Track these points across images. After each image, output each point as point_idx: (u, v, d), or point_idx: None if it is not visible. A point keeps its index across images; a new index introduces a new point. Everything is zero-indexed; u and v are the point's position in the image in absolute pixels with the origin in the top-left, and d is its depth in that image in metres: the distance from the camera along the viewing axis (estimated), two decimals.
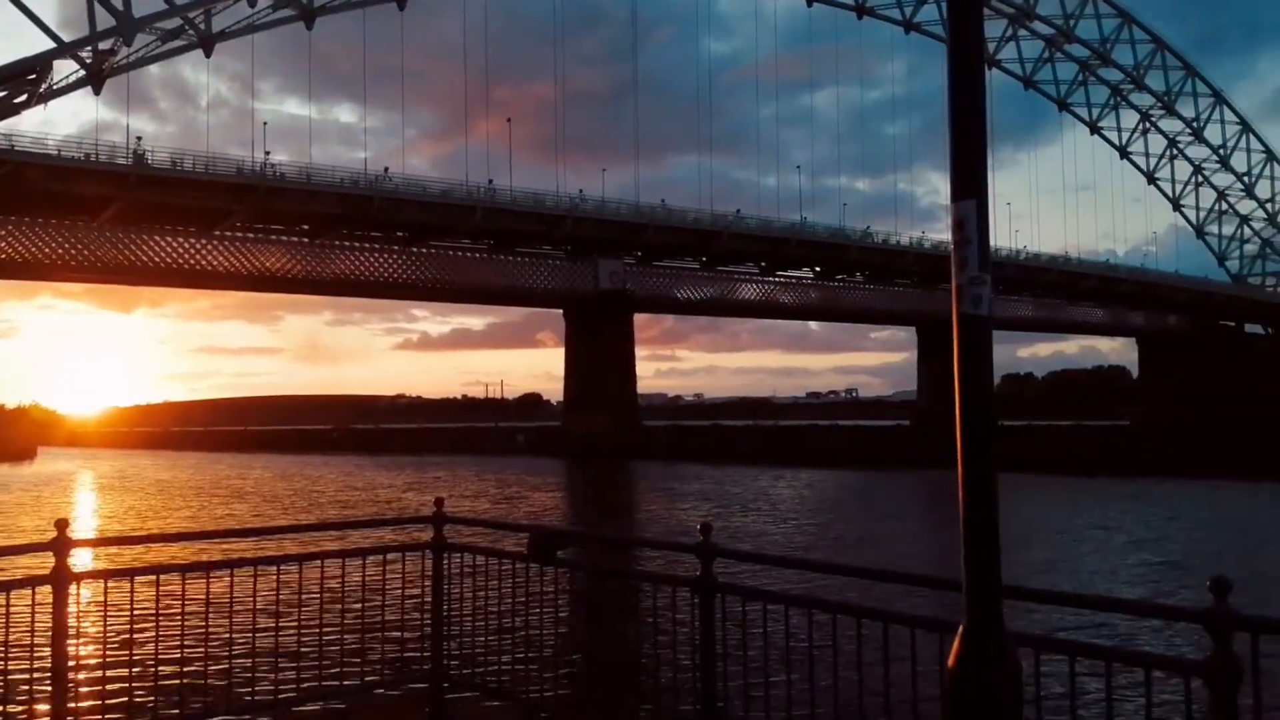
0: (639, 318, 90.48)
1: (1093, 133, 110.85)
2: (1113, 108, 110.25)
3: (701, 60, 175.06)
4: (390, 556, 5.78)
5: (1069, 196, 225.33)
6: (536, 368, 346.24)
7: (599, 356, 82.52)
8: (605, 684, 6.93)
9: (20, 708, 5.05)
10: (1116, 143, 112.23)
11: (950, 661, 2.55)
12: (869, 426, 73.31)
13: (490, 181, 79.99)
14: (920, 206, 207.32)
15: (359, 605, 5.58)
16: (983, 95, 2.57)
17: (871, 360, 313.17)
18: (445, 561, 5.76)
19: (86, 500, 41.24)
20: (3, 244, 63.92)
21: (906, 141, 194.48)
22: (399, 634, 6.28)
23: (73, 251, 66.96)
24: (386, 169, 78.19)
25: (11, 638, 4.41)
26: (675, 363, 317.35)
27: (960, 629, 2.53)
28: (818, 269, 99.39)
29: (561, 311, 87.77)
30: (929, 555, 19.77)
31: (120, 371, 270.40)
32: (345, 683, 5.82)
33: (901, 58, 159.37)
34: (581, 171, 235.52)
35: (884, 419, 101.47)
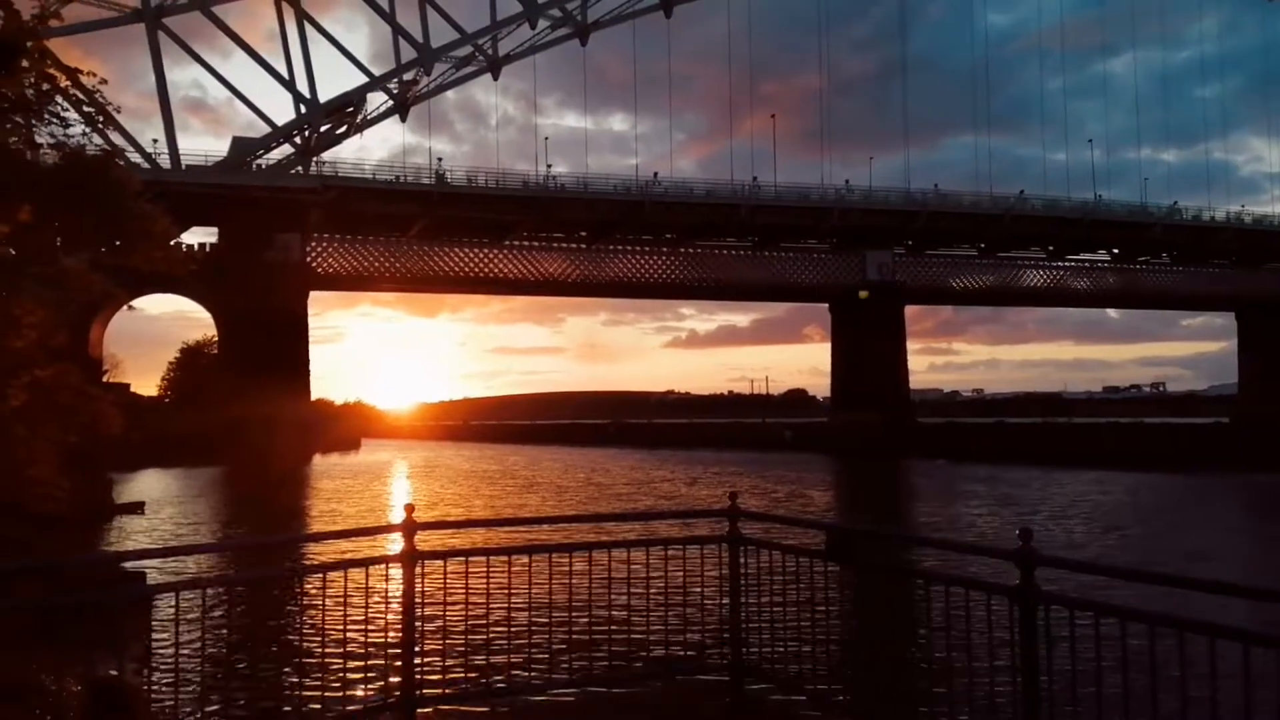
0: (911, 310, 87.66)
1: None
2: None
3: (978, 34, 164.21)
4: (675, 549, 5.77)
5: None
6: (802, 363, 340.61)
7: (867, 351, 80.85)
8: (909, 689, 6.77)
9: (376, 673, 5.50)
10: None
11: None
12: (1179, 425, 66.20)
13: (754, 179, 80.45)
14: (1240, 177, 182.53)
15: (660, 593, 5.62)
16: None
17: (1181, 350, 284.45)
18: (741, 556, 5.74)
19: (403, 487, 44.41)
20: (337, 260, 73.99)
21: (1220, 106, 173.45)
22: (699, 624, 6.30)
23: (388, 264, 74.61)
24: (656, 174, 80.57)
25: (362, 610, 4.91)
26: (952, 356, 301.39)
27: None
28: (1115, 251, 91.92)
29: (828, 306, 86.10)
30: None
31: (426, 371, 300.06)
32: (646, 668, 5.90)
33: (1212, 13, 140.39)
34: (849, 161, 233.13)
35: (1196, 416, 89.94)
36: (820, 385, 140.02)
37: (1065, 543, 21.89)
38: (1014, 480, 42.03)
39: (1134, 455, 50.98)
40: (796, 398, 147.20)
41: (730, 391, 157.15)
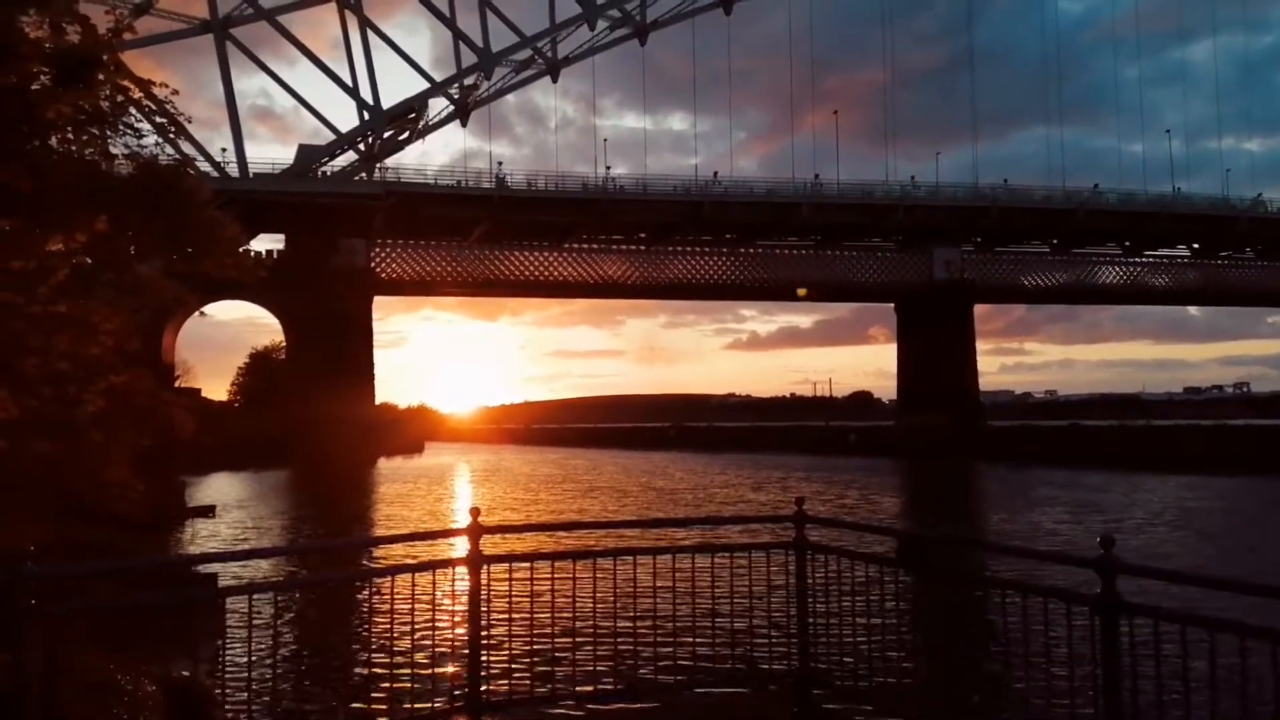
0: (980, 309, 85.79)
1: None
2: None
3: (1049, 22, 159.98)
4: (740, 555, 5.72)
5: None
6: (867, 365, 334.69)
7: (935, 351, 79.30)
8: (982, 704, 6.58)
9: (444, 674, 5.52)
10: None
11: None
12: (1268, 426, 62.24)
13: (816, 176, 79.24)
14: None
15: (725, 601, 5.57)
16: None
17: (1266, 349, 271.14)
18: (808, 562, 5.68)
19: (465, 490, 44.62)
20: (400, 264, 74.89)
21: None
22: (765, 633, 6.25)
23: (450, 268, 75.27)
24: (715, 174, 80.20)
25: (428, 614, 4.98)
26: (1023, 357, 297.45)
27: None
28: (1195, 246, 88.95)
29: (893, 306, 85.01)
30: None
31: (488, 374, 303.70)
32: (711, 677, 5.85)
33: None
34: (914, 157, 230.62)
35: None
36: (886, 388, 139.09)
37: (1152, 552, 20.81)
38: (1094, 485, 40.85)
39: (1221, 458, 49.08)
40: (861, 400, 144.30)
41: (792, 394, 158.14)
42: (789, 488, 41.24)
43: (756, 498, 37.36)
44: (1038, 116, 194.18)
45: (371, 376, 76.05)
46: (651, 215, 74.94)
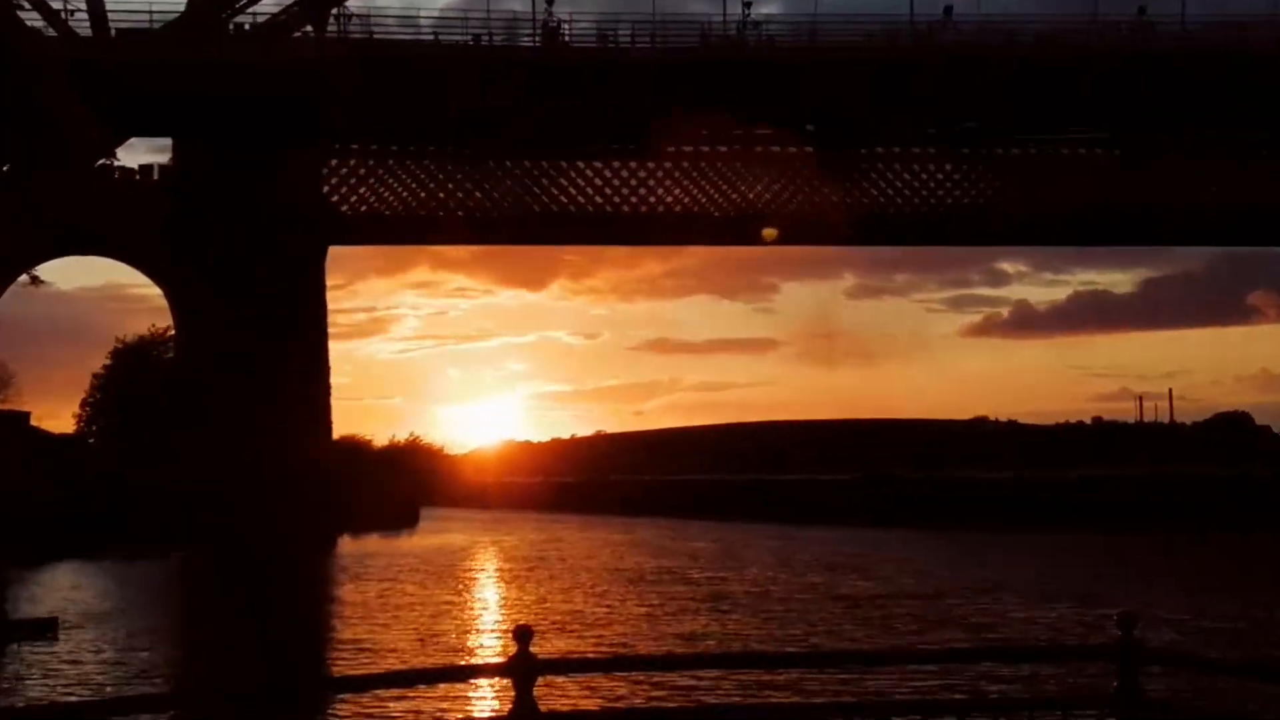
0: None
1: None
2: None
3: None
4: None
5: None
6: (1245, 361, 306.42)
7: None
8: None
9: None
10: None
11: None
12: None
13: (1142, 10, 72.16)
14: None
15: None
16: None
17: None
18: None
19: (493, 593, 45.58)
20: (376, 191, 75.15)
21: None
22: None
23: (461, 196, 76.25)
24: (948, 7, 74.15)
25: None
26: None
27: None
28: None
29: None
30: None
31: (527, 384, 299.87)
32: None
33: None
34: None
35: None
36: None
37: None
38: None
39: None
40: (1228, 425, 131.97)
41: (1097, 418, 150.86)
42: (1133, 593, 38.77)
43: (1046, 618, 36.03)
44: None
45: (324, 389, 74.91)
46: (826, 87, 69.89)
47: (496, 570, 54.89)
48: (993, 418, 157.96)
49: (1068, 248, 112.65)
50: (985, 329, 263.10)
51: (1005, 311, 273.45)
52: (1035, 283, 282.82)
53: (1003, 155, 76.45)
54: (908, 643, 30.52)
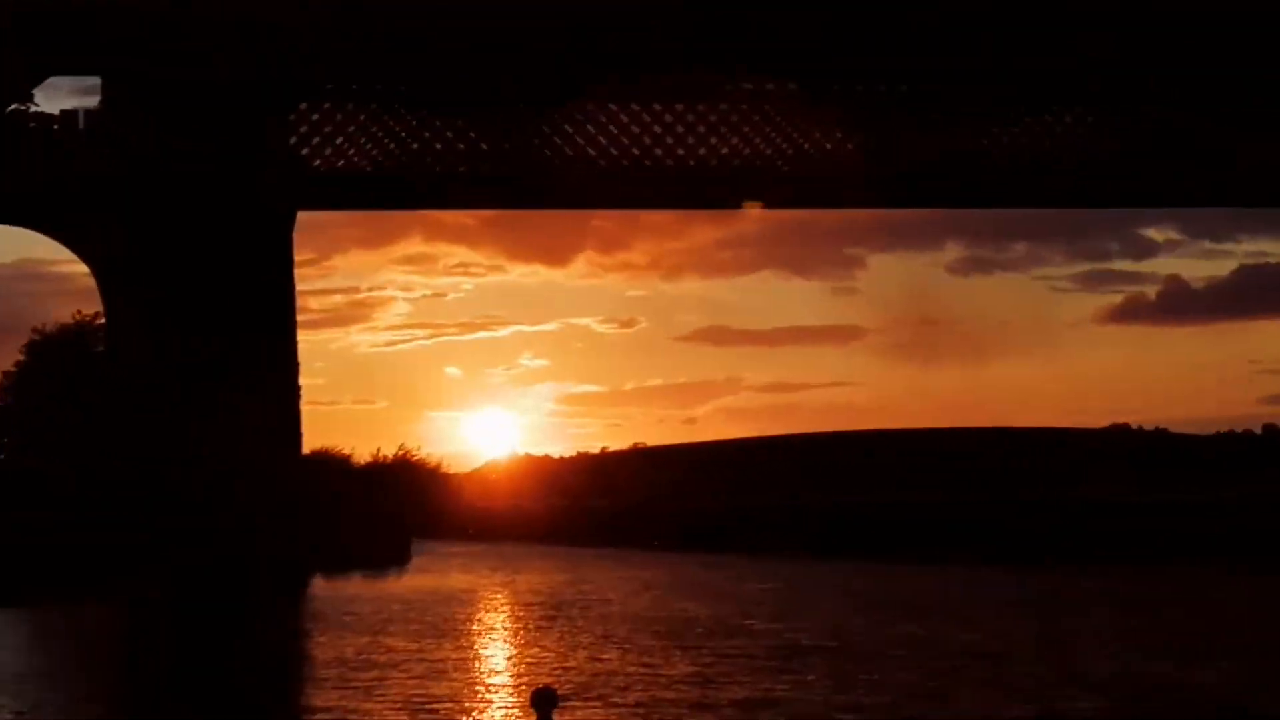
0: None
1: None
2: None
3: None
4: None
5: None
6: None
7: None
8: None
9: None
10: None
11: None
12: None
13: None
14: None
15: None
16: None
17: None
18: None
19: (496, 650, 43.63)
20: (358, 143, 75.60)
21: None
22: None
23: (463, 148, 76.51)
24: None
25: None
26: None
27: None
28: None
29: None
30: None
31: (546, 386, 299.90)
32: None
33: None
34: None
35: None
36: None
37: None
38: None
39: None
40: None
41: (1268, 425, 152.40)
42: None
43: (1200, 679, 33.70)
44: None
45: (291, 390, 74.77)
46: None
47: (508, 619, 52.46)
48: (1135, 425, 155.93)
49: (1232, 209, 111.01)
50: (1126, 313, 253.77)
51: (1152, 291, 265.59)
52: (1191, 254, 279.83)
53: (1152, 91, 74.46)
54: (1030, 711, 29.96)
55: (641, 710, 29.93)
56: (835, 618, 49.41)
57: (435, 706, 29.82)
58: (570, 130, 72.04)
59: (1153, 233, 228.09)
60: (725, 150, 72.07)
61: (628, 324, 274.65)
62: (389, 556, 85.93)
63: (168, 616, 48.34)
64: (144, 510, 59.71)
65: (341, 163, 71.08)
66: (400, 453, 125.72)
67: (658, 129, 72.36)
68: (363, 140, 70.83)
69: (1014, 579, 65.54)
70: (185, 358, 62.76)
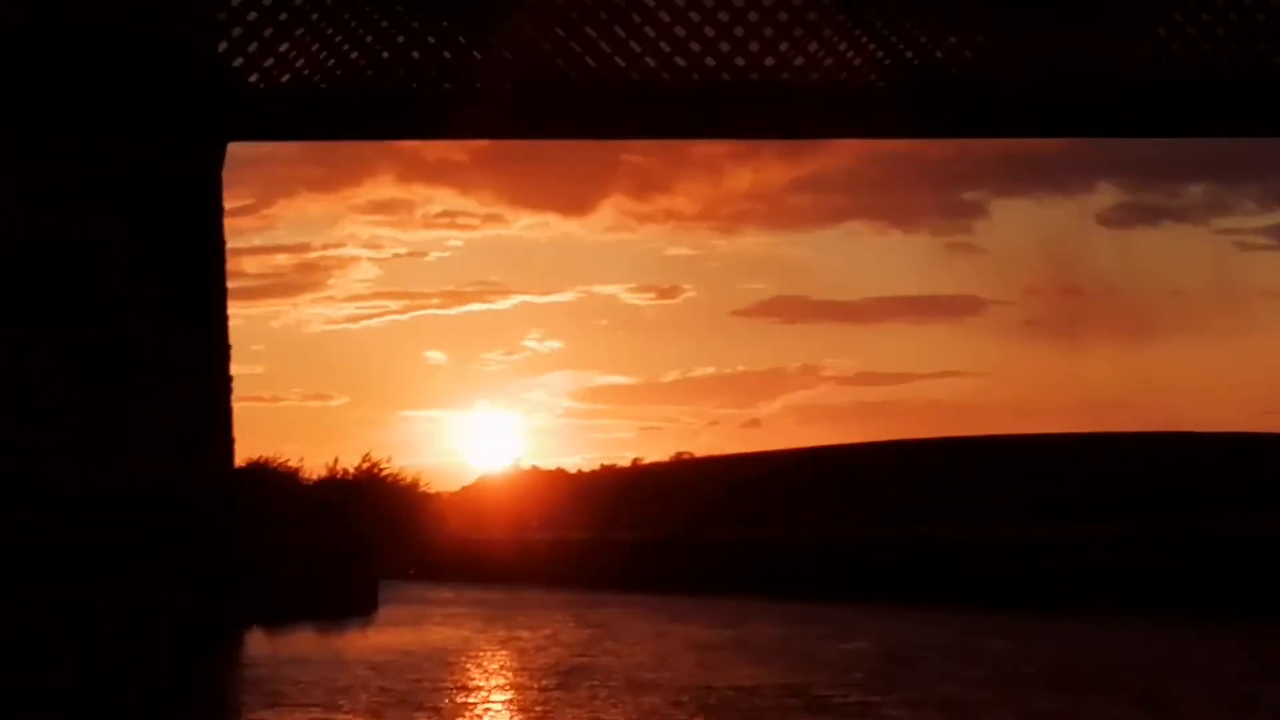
0: None
1: None
2: None
3: None
4: None
5: None
6: None
7: None
8: None
9: None
10: None
11: None
12: None
13: None
14: None
15: None
16: None
17: None
18: None
19: None
20: (309, 51, 77.97)
21: None
22: None
23: (450, 60, 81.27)
24: None
25: None
26: None
27: None
28: None
29: None
30: None
31: (559, 375, 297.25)
32: None
33: None
34: None
35: None
36: None
37: None
38: None
39: None
40: None
41: None
42: None
43: None
44: None
45: (218, 381, 73.19)
46: None
47: (506, 688, 50.30)
48: None
49: None
50: None
51: None
52: None
53: None
54: None
55: None
56: (950, 688, 46.06)
57: None
58: (593, 34, 69.44)
59: None
60: (801, 61, 69.68)
61: (669, 293, 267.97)
62: (349, 603, 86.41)
63: (31, 692, 46.12)
64: (16, 539, 57.64)
65: (287, 77, 67.63)
66: (365, 465, 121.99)
67: (709, 30, 69.96)
68: (315, 47, 67.72)
69: (1191, 636, 64.32)
70: (74, 336, 60.68)
